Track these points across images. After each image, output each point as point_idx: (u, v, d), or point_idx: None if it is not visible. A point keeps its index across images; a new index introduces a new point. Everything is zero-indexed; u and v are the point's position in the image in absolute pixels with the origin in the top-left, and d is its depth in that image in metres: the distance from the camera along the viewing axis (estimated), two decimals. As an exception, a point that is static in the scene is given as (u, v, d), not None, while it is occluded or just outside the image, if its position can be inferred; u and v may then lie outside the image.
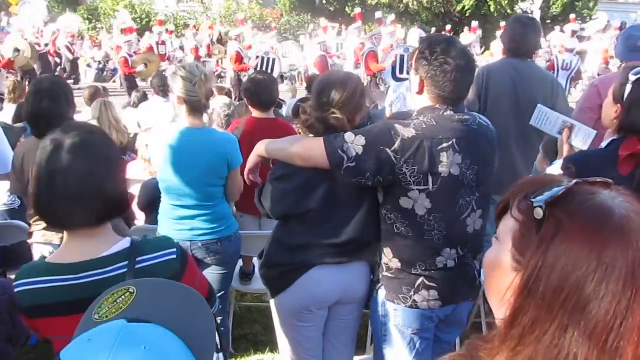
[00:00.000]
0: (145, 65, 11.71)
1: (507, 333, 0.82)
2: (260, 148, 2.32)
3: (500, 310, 0.85)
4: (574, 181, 0.83)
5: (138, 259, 1.48)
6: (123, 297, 0.94)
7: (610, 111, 2.10)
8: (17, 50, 10.87)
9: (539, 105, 2.70)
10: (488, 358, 0.85)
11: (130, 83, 12.20)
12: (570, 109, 3.73)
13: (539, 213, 0.81)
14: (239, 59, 12.17)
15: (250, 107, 3.90)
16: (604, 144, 2.16)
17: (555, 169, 2.48)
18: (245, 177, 2.44)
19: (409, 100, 5.30)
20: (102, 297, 0.96)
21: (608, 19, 18.87)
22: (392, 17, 16.45)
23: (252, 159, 2.37)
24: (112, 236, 1.54)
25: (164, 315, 0.90)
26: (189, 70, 2.70)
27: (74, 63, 17.08)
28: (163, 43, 15.26)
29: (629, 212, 0.80)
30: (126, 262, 1.47)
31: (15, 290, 1.45)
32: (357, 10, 18.38)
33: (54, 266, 1.47)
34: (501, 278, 0.87)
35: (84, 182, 1.43)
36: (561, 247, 0.78)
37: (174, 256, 1.53)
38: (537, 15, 17.52)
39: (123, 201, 1.54)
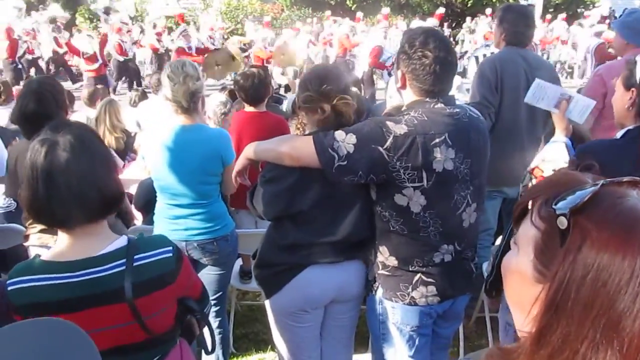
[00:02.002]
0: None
1: (534, 352, 0.74)
2: (249, 150, 2.26)
3: (523, 321, 0.78)
4: (600, 182, 0.74)
5: (135, 257, 1.49)
6: None
7: (622, 101, 2.02)
8: (233, 57, 10.82)
9: (537, 79, 2.57)
10: None
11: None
12: None
13: (562, 222, 0.73)
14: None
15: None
16: (618, 135, 2.07)
17: (554, 147, 2.41)
18: (233, 179, 2.39)
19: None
20: None
21: (611, 7, 18.68)
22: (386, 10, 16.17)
23: (240, 162, 2.31)
24: (109, 234, 1.55)
25: (24, 352, 0.86)
26: (173, 69, 2.65)
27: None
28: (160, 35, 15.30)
29: None
30: (123, 260, 1.48)
31: (9, 288, 1.43)
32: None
33: (51, 264, 1.46)
34: (522, 288, 0.80)
35: (83, 180, 1.43)
36: (589, 258, 0.70)
37: (170, 254, 1.55)
38: (539, 5, 17.39)
39: (118, 196, 1.54)
